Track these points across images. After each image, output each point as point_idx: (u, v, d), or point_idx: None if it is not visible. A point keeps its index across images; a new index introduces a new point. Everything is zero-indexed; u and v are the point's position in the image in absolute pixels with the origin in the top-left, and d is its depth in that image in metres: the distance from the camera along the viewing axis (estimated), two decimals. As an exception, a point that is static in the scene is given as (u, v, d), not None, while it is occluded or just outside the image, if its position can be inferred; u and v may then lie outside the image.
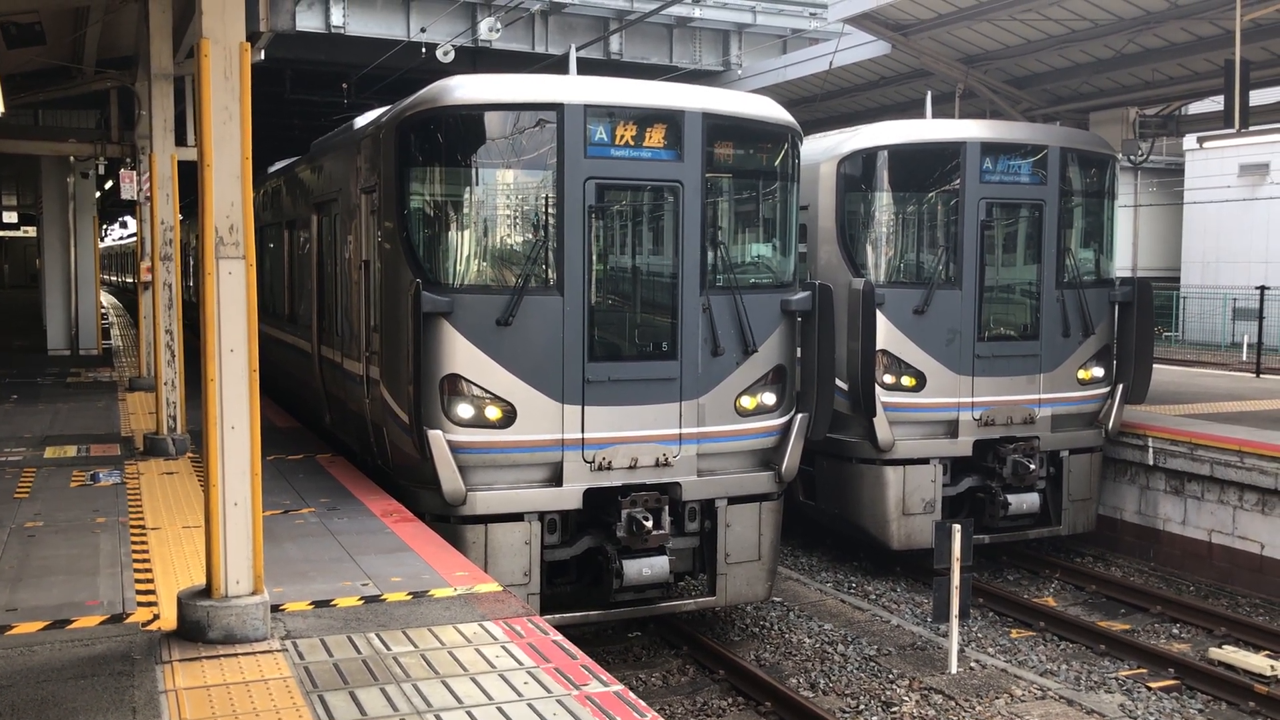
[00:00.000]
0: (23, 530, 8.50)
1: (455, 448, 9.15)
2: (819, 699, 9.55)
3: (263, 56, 14.30)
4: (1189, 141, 33.52)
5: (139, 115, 15.61)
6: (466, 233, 9.56)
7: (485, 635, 6.32)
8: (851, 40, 18.58)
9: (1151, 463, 13.61)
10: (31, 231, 31.39)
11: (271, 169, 17.31)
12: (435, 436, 9.08)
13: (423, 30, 20.13)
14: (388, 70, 21.49)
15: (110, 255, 78.97)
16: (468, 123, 9.41)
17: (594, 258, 9.46)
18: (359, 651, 6.03)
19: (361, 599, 6.93)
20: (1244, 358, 30.13)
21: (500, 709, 5.31)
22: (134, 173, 16.12)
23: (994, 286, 12.99)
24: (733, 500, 10.07)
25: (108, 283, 71.78)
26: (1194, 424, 14.03)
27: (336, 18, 19.92)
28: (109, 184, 29.60)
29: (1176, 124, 18.09)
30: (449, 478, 9.08)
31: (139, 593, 6.99)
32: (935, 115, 14.25)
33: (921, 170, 12.95)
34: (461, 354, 9.16)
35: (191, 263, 24.93)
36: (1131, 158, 17.62)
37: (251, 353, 6.06)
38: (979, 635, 11.48)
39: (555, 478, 9.47)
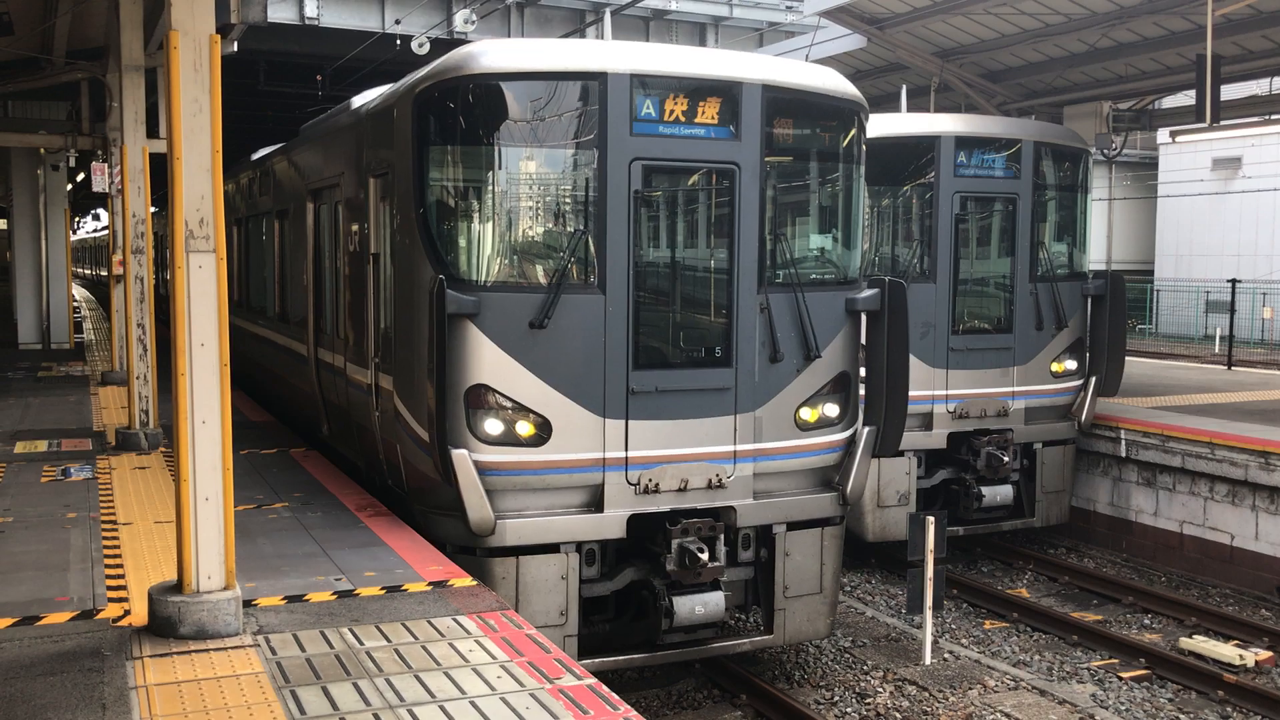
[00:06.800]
0: (-8, 526, 8.43)
1: (483, 469, 7.98)
2: (794, 691, 9.58)
3: (235, 48, 14.19)
4: (1162, 135, 33.73)
5: (110, 107, 15.48)
6: (495, 222, 8.31)
7: (459, 629, 6.31)
8: (828, 34, 18.61)
9: (1124, 455, 13.72)
10: (2, 224, 31.12)
11: (257, 155, 16.29)
12: (460, 457, 7.88)
13: (397, 22, 20.03)
14: (362, 62, 21.38)
15: (83, 248, 78.33)
16: (497, 94, 8.15)
17: (640, 251, 8.36)
18: (331, 646, 6.01)
19: (334, 594, 6.91)
20: (1216, 350, 30.39)
21: (473, 703, 5.30)
22: (105, 165, 15.99)
23: (968, 280, 13.06)
24: (792, 526, 8.95)
25: (81, 276, 71.22)
26: (1166, 416, 14.14)
27: (310, 9, 19.78)
28: (80, 176, 29.36)
29: (1149, 118, 18.21)
30: (476, 504, 7.92)
31: (110, 588, 6.94)
32: (910, 109, 14.30)
33: (896, 163, 12.99)
34: (489, 361, 8.01)
35: (168, 255, 24.72)
36: (1105, 151, 17.72)
37: (222, 347, 6.03)
38: (953, 626, 11.55)
39: (595, 502, 8.32)
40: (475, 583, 7.21)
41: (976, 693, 9.55)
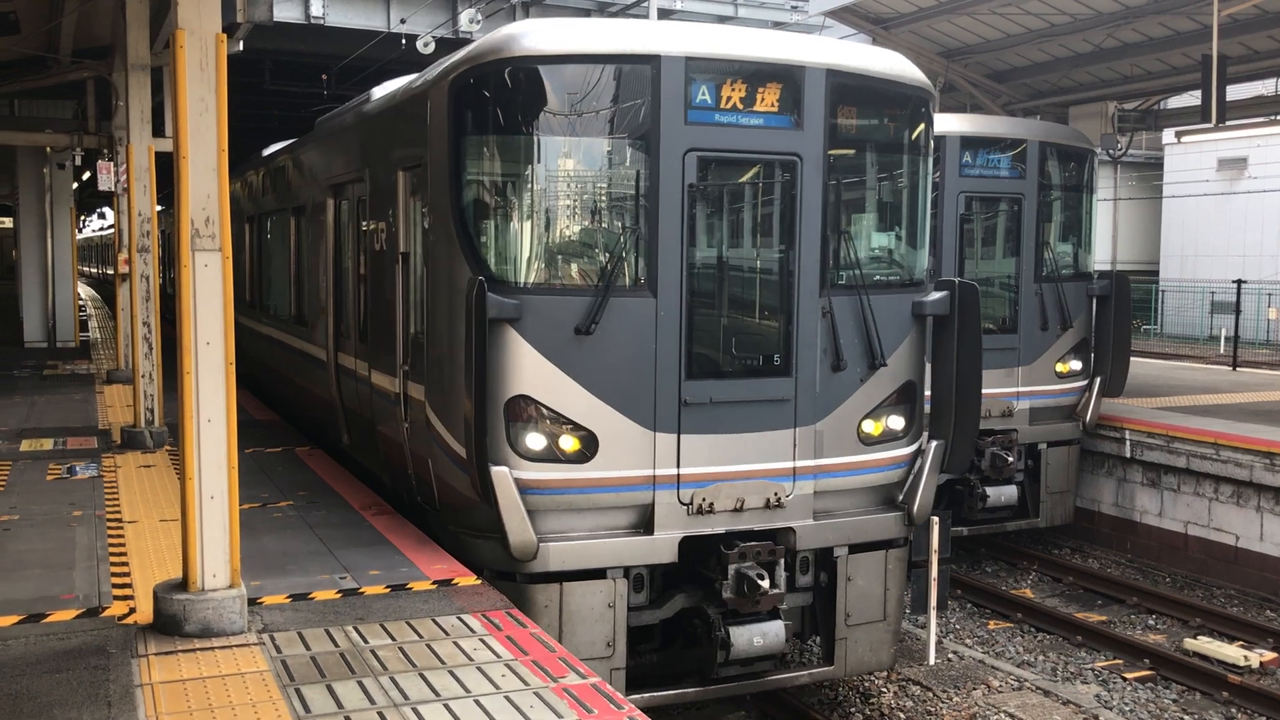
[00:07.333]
0: (-2, 524, 8.45)
1: (524, 487, 7.37)
2: (798, 691, 9.58)
3: (241, 47, 14.21)
4: (1168, 136, 33.71)
5: (116, 106, 15.53)
6: (538, 219, 7.68)
7: (463, 628, 6.32)
8: (833, 34, 18.59)
9: (1128, 455, 13.70)
10: (8, 223, 31.24)
11: (270, 150, 15.74)
12: (501, 475, 7.27)
13: (402, 21, 20.06)
14: (367, 61, 21.42)
15: (89, 246, 78.47)
16: (540, 79, 7.49)
17: (694, 250, 7.68)
18: (336, 645, 6.02)
19: (339, 592, 6.92)
20: (1221, 351, 30.36)
21: (478, 701, 5.31)
22: (111, 164, 16.03)
23: (973, 280, 13.03)
24: (854, 548, 8.31)
25: (86, 274, 71.37)
26: (1171, 417, 14.12)
27: (316, 9, 19.81)
28: (86, 175, 29.45)
29: (1155, 118, 18.21)
30: (517, 526, 7.30)
31: (115, 586, 6.96)
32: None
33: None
34: (531, 370, 7.40)
35: (174, 253, 24.72)
36: (1110, 152, 17.72)
37: (228, 345, 6.04)
38: (957, 627, 11.55)
39: (644, 524, 7.67)
40: (480, 581, 7.22)
41: (980, 693, 9.55)
